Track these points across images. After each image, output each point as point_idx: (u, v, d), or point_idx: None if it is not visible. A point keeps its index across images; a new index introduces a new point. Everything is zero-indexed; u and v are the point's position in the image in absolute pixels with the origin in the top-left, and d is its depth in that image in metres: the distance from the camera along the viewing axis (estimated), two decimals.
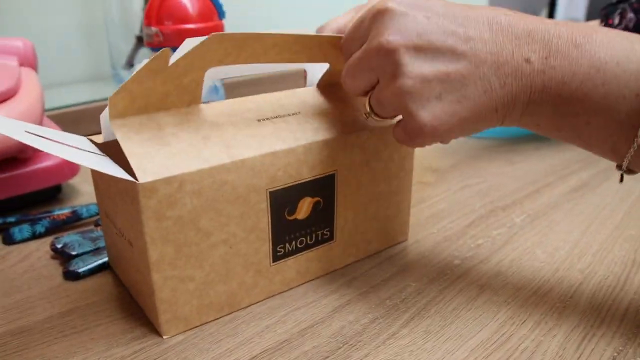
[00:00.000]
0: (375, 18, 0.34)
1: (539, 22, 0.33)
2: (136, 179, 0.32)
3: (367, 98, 0.37)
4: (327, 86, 0.43)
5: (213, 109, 0.37)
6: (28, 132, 0.31)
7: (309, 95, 0.42)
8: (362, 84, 0.36)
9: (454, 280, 0.42)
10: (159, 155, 0.34)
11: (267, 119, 0.38)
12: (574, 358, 0.34)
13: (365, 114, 0.38)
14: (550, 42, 0.32)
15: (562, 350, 0.35)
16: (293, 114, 0.39)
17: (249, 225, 0.37)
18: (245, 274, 0.38)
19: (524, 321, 0.37)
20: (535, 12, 2.04)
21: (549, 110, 0.33)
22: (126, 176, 0.32)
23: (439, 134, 0.34)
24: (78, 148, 0.33)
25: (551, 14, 2.04)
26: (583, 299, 0.40)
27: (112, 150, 0.35)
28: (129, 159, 0.33)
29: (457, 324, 0.37)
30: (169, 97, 0.35)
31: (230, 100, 0.39)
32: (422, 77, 0.32)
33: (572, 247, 0.47)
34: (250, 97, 0.39)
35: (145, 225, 0.33)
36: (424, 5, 0.33)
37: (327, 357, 0.34)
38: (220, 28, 0.60)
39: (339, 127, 0.40)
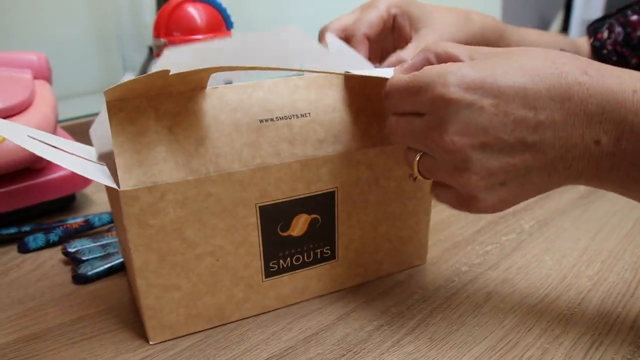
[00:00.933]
0: (437, 105, 0.31)
1: (617, 88, 0.30)
2: (118, 186, 0.32)
3: (416, 163, 0.35)
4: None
5: (217, 98, 0.35)
6: (30, 136, 0.32)
7: (330, 88, 0.38)
8: (413, 148, 0.35)
9: (461, 287, 0.42)
10: (149, 157, 0.33)
11: (270, 120, 0.36)
12: None
13: (412, 177, 0.36)
14: (625, 120, 0.30)
15: (568, 359, 0.34)
16: (302, 115, 0.37)
17: (237, 239, 0.37)
18: (235, 287, 0.38)
19: (531, 328, 0.37)
20: (550, 14, 2.02)
21: (615, 186, 0.33)
22: (110, 183, 0.32)
23: (498, 211, 0.34)
24: (74, 154, 0.34)
25: (567, 16, 2.03)
26: (591, 306, 0.40)
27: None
28: (116, 157, 0.32)
29: (462, 331, 0.37)
30: (171, 85, 0.34)
31: (241, 86, 0.36)
32: (489, 171, 0.31)
33: (580, 254, 0.47)
34: (264, 83, 0.36)
35: (128, 232, 0.34)
36: (491, 87, 0.30)
37: None
38: None
39: (347, 140, 0.38)
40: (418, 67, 0.35)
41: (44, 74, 0.61)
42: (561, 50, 0.68)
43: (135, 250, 0.34)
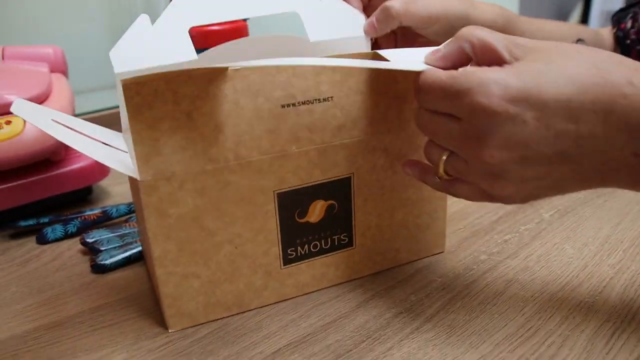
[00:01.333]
0: (477, 115, 0.30)
1: None
2: (137, 176, 0.32)
3: (442, 163, 0.34)
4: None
5: (241, 78, 0.34)
6: (54, 120, 0.32)
7: (354, 68, 0.37)
8: (439, 146, 0.34)
9: (480, 275, 0.42)
10: (167, 145, 0.33)
11: (292, 105, 0.35)
12: (602, 353, 0.33)
13: (437, 176, 0.35)
14: None
15: (590, 345, 0.34)
16: (324, 99, 0.36)
17: (256, 227, 0.37)
18: (253, 275, 0.38)
19: (551, 316, 0.37)
20: (569, 6, 2.00)
21: None
22: (129, 172, 0.32)
23: (523, 203, 0.34)
24: (98, 140, 0.34)
25: (586, 7, 2.00)
26: (613, 295, 0.39)
27: None
28: (134, 146, 0.32)
29: (482, 319, 0.37)
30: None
31: (267, 62, 0.33)
32: (524, 179, 0.31)
33: (602, 243, 0.46)
34: (289, 61, 0.33)
35: (147, 222, 0.34)
36: (535, 99, 0.29)
37: (351, 350, 0.34)
38: (244, 28, 0.60)
39: (365, 125, 0.38)
40: (451, 56, 0.33)
41: (60, 67, 0.62)
42: (579, 40, 0.67)
43: (154, 239, 0.34)
